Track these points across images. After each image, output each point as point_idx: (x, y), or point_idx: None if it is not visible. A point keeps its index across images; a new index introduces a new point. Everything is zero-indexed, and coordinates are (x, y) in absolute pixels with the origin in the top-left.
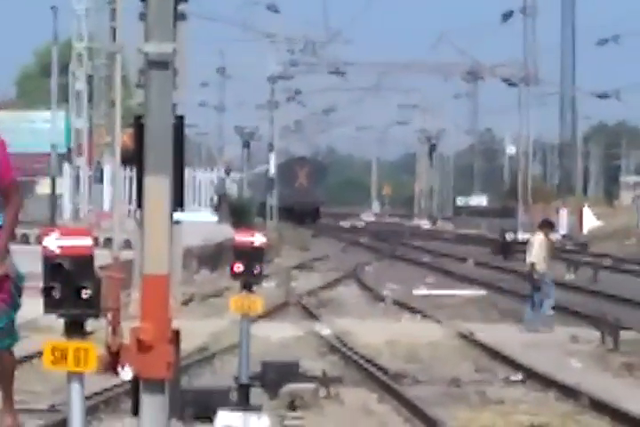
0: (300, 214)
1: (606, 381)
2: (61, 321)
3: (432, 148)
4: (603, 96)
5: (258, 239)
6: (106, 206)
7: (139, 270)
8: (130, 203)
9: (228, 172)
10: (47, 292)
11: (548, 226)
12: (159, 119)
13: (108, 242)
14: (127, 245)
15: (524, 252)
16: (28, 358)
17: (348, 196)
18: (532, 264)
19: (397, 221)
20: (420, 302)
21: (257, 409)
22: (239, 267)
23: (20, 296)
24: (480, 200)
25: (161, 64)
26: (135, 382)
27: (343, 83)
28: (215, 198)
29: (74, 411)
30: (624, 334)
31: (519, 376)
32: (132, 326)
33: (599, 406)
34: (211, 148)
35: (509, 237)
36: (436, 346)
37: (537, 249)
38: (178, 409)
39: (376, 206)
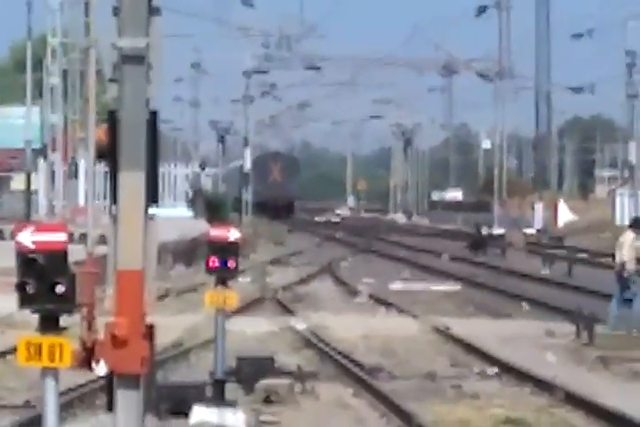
0: (274, 209)
1: (581, 375)
2: (36, 316)
3: (407, 142)
4: (577, 90)
5: (233, 234)
6: (81, 202)
7: (112, 265)
8: (106, 198)
9: (202, 167)
10: (21, 287)
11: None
12: (133, 114)
13: (84, 237)
14: (102, 240)
15: (499, 246)
16: (3, 353)
17: (324, 190)
18: (623, 263)
19: (373, 215)
20: (396, 296)
21: (232, 404)
22: (214, 262)
23: None
24: (455, 194)
25: (135, 59)
26: (110, 377)
27: (318, 77)
28: (190, 193)
29: (48, 407)
30: (599, 328)
31: (494, 370)
32: (106, 322)
33: (574, 400)
34: (186, 143)
35: (485, 231)
36: (411, 341)
37: (628, 248)
38: (153, 405)
39: (351, 201)
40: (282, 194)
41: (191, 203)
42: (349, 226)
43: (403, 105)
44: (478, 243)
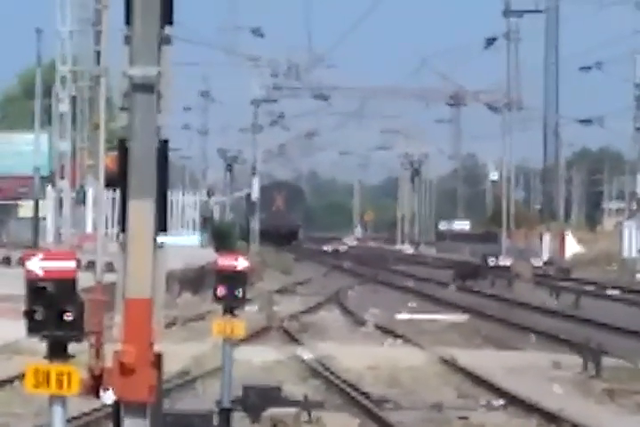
0: (277, 237)
1: (588, 407)
2: (44, 344)
3: (415, 172)
4: (586, 122)
5: (241, 263)
6: (88, 229)
7: (121, 293)
8: (113, 226)
9: (210, 194)
10: (30, 314)
11: None
12: (143, 143)
13: (91, 265)
14: (110, 268)
15: (506, 277)
16: (11, 380)
17: (331, 220)
18: None
19: (380, 245)
20: (403, 326)
21: None
22: (222, 291)
23: None
24: (463, 225)
25: (145, 87)
26: (117, 405)
27: (326, 107)
28: (200, 220)
29: None
30: (606, 361)
31: (501, 402)
32: (114, 350)
33: None
34: (194, 171)
35: (492, 262)
36: (418, 371)
37: None
38: None
39: (358, 231)
40: (285, 222)
41: (202, 230)
42: (356, 255)
43: (410, 135)
44: (467, 272)
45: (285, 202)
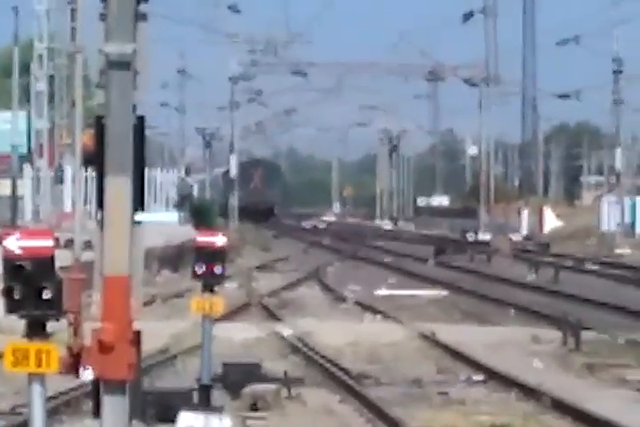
0: (254, 214)
1: (568, 381)
2: (23, 322)
3: (393, 148)
4: (563, 96)
5: (220, 240)
6: (67, 207)
7: (99, 271)
8: (91, 204)
9: (188, 172)
10: (8, 293)
11: None
12: (120, 120)
13: (70, 243)
14: (88, 245)
15: (485, 252)
16: None
17: (310, 196)
18: None
19: (359, 221)
20: (382, 302)
21: (219, 410)
22: (201, 268)
23: None
24: (441, 200)
25: (121, 64)
26: (96, 383)
27: (304, 83)
28: (177, 198)
29: (35, 412)
30: (585, 335)
31: (481, 377)
32: (93, 328)
33: (561, 407)
34: (172, 148)
35: (470, 237)
36: (397, 347)
37: None
38: (139, 411)
39: (337, 207)
40: (261, 199)
41: (178, 208)
42: (336, 232)
43: (389, 111)
44: (443, 247)
45: (262, 179)
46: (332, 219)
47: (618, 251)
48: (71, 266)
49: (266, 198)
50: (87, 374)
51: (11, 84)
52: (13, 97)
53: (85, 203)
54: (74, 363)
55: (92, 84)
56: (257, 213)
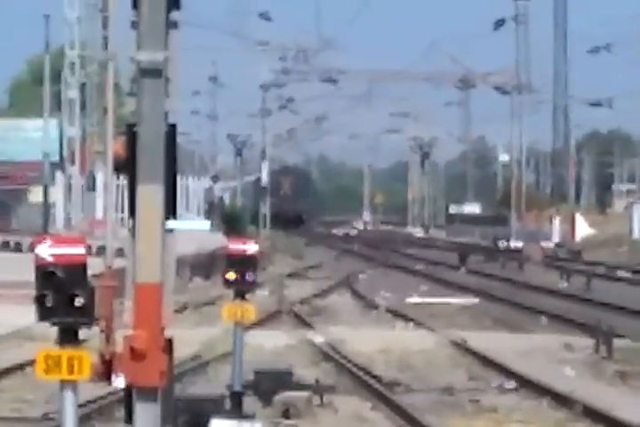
0: (283, 222)
1: (600, 389)
2: (55, 329)
3: (424, 156)
4: (596, 104)
5: (251, 247)
6: (98, 215)
7: (131, 279)
8: (123, 211)
9: (215, 180)
10: (40, 300)
11: None
12: (151, 127)
13: (101, 250)
14: (120, 253)
15: (517, 260)
16: (22, 366)
17: (341, 204)
18: None
19: (390, 229)
20: (414, 310)
21: (250, 417)
22: (232, 275)
23: None
24: (473, 208)
25: (153, 72)
26: (128, 390)
27: (335, 91)
28: (206, 206)
29: (67, 419)
30: (617, 342)
31: (512, 384)
32: (125, 335)
33: (593, 415)
34: (203, 156)
35: (502, 244)
36: (429, 354)
37: None
38: (171, 418)
39: (366, 215)
40: (291, 207)
41: (207, 215)
42: (367, 239)
43: (420, 118)
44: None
45: (291, 187)
46: (363, 226)
47: None
48: (103, 273)
49: (295, 206)
50: (119, 382)
51: (42, 92)
52: (45, 105)
53: (117, 210)
54: (106, 370)
55: (123, 91)
56: (286, 221)
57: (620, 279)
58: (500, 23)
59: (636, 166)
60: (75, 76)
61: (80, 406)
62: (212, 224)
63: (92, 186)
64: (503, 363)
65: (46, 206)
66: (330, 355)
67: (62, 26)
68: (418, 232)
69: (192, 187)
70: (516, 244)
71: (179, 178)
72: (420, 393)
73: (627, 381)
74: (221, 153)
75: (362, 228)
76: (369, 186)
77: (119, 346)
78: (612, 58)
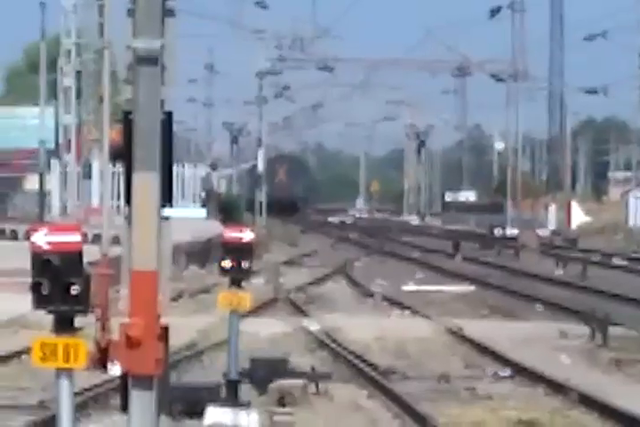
0: (278, 209)
1: (595, 376)
2: (50, 317)
3: (420, 144)
4: (591, 91)
5: (247, 235)
6: (94, 202)
7: (127, 266)
8: (119, 199)
9: (214, 167)
10: (36, 288)
11: None
12: (147, 115)
13: (97, 238)
14: (116, 241)
15: (513, 247)
16: (18, 354)
17: (338, 191)
18: None
19: (386, 216)
20: (409, 297)
21: (246, 405)
22: (228, 263)
23: None
24: (469, 196)
25: (149, 60)
26: (124, 378)
27: (331, 79)
28: (203, 194)
29: (63, 407)
30: (613, 330)
31: (508, 372)
32: (121, 323)
33: (588, 402)
34: (199, 144)
35: (498, 232)
36: (425, 342)
37: None
38: (167, 405)
39: (360, 203)
40: (285, 195)
41: (204, 203)
42: (362, 227)
43: (416, 106)
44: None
45: (287, 174)
46: (359, 214)
47: None
48: (99, 261)
49: (289, 194)
50: (115, 369)
51: (38, 80)
52: (41, 92)
53: (113, 198)
54: (102, 358)
55: (119, 79)
56: (281, 209)
57: (615, 267)
58: (495, 11)
59: (631, 154)
60: (71, 64)
61: (76, 393)
62: (208, 212)
63: (87, 174)
64: (499, 351)
65: (42, 194)
66: (325, 343)
67: (59, 14)
68: (413, 220)
69: (187, 175)
70: (511, 231)
71: (174, 166)
72: (415, 381)
73: (622, 368)
74: (217, 141)
75: (359, 215)
76: (365, 174)
77: (115, 334)
78: (608, 45)
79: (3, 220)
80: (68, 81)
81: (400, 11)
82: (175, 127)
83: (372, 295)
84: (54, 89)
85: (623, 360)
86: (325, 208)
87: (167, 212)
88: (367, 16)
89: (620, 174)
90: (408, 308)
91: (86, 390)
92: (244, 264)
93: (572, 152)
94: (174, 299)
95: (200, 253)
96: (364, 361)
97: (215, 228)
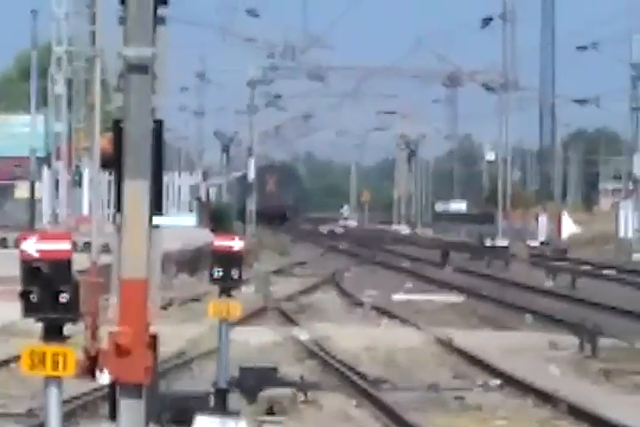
0: (268, 218)
1: (584, 387)
2: (40, 325)
3: (411, 153)
4: (582, 102)
5: (237, 244)
6: (85, 211)
7: (116, 274)
8: (109, 207)
9: (205, 177)
10: (25, 296)
11: None
12: (138, 123)
13: (88, 246)
14: (106, 249)
15: (503, 258)
16: (6, 362)
17: (328, 201)
18: None
19: (376, 226)
20: (399, 307)
21: (235, 414)
22: (218, 272)
23: None
24: (459, 206)
25: (140, 68)
26: (113, 386)
27: (322, 88)
28: (194, 203)
29: (51, 415)
30: (602, 341)
31: (497, 382)
32: (110, 331)
33: (577, 413)
34: (190, 152)
35: (488, 243)
36: (414, 352)
37: None
38: (155, 414)
39: (346, 211)
40: (274, 204)
41: (195, 211)
42: (353, 236)
43: (407, 116)
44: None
45: (276, 184)
46: (350, 223)
47: (636, 256)
48: (88, 269)
49: (279, 203)
50: (104, 378)
51: (29, 88)
52: (32, 100)
53: (103, 206)
54: (90, 366)
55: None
56: (270, 218)
57: (605, 278)
58: (487, 21)
59: (622, 165)
60: (62, 72)
61: (64, 402)
62: (199, 221)
63: (78, 182)
64: (488, 361)
65: (32, 202)
66: (315, 352)
67: (50, 21)
68: (404, 230)
69: (178, 183)
70: (501, 242)
71: (165, 174)
72: (405, 391)
73: (611, 379)
74: (208, 150)
75: (350, 224)
76: (356, 183)
77: (104, 342)
78: (598, 56)
79: None
80: (58, 89)
81: (391, 20)
82: (166, 135)
83: (361, 305)
84: (45, 97)
85: (612, 371)
86: (316, 217)
87: (157, 220)
88: (358, 25)
89: (611, 185)
90: (397, 317)
91: (75, 398)
92: (234, 273)
93: (563, 163)
94: (164, 307)
95: (190, 261)
96: (353, 370)
97: (205, 236)
